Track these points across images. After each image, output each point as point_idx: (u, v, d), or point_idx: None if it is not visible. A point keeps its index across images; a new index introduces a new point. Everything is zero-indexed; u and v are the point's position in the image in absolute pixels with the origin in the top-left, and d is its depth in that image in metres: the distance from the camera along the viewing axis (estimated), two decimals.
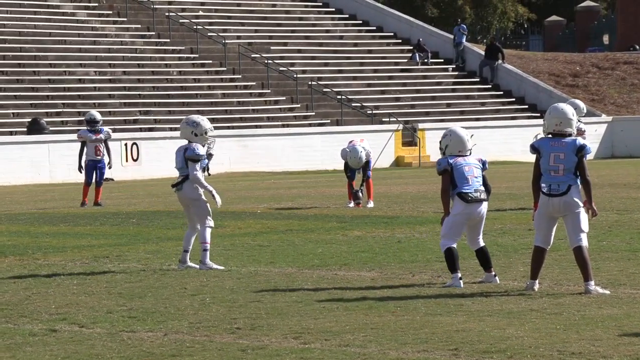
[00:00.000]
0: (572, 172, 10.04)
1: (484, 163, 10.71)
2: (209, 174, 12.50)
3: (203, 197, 12.27)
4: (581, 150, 10.03)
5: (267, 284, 10.99)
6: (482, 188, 10.57)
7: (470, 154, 10.67)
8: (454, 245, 10.56)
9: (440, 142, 10.74)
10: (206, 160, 12.34)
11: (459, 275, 10.52)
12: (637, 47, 49.51)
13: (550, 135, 10.16)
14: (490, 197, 10.82)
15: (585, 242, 10.06)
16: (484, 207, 10.59)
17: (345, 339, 8.25)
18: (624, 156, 39.57)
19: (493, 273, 10.69)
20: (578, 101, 19.34)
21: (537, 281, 10.23)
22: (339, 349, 7.92)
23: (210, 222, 12.27)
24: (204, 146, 12.27)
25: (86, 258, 13.46)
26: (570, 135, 10.12)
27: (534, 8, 64.25)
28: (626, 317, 8.82)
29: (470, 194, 10.46)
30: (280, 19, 44.34)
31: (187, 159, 12.14)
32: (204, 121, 12.38)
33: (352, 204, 19.59)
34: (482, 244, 10.72)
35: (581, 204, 10.08)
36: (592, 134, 31.29)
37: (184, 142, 12.39)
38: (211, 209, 12.31)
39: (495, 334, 8.25)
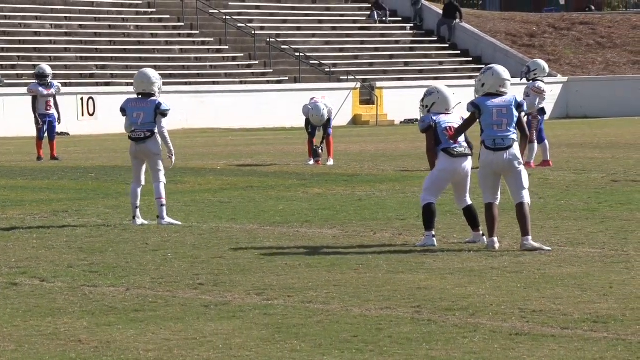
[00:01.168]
0: (513, 126, 10.30)
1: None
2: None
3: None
4: (520, 106, 10.37)
5: (228, 241, 10.99)
6: (465, 144, 10.60)
7: (452, 113, 10.72)
8: (434, 202, 10.56)
9: (422, 100, 10.74)
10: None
11: (433, 233, 10.51)
12: (593, 7, 49.73)
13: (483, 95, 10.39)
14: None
15: (527, 199, 10.27)
16: (469, 163, 10.61)
17: (308, 295, 8.28)
18: (578, 116, 39.86)
19: (480, 232, 10.62)
20: (541, 61, 19.64)
21: (496, 238, 10.33)
22: (302, 305, 7.95)
23: (164, 178, 12.31)
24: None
25: (45, 212, 13.38)
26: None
27: None
28: (585, 275, 8.93)
29: (455, 149, 10.49)
30: None
31: (160, 113, 12.12)
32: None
33: (312, 162, 19.60)
34: (469, 202, 10.68)
35: (522, 161, 10.33)
36: (548, 94, 31.41)
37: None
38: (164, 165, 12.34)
39: (457, 292, 8.32)
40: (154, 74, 12.37)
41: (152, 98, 12.24)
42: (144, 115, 12.19)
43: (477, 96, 10.43)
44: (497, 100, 10.31)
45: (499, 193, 10.41)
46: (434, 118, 10.59)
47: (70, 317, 7.67)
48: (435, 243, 10.49)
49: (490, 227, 10.31)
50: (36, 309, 7.94)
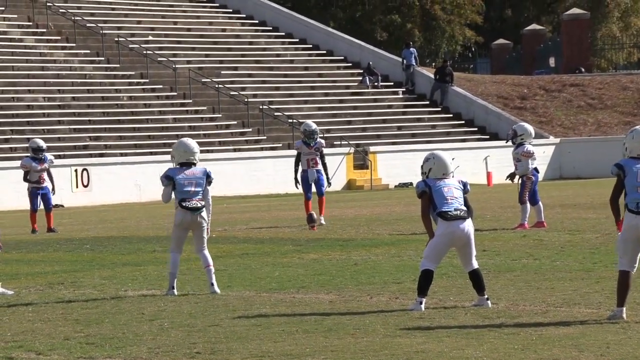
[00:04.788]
0: None
1: (464, 185, 10.67)
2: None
3: None
4: None
5: (225, 308, 10.97)
6: (464, 207, 10.51)
7: (453, 176, 10.70)
8: (433, 269, 10.48)
9: (422, 166, 10.72)
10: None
11: (423, 300, 10.44)
12: (583, 69, 50.10)
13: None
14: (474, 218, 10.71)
15: None
16: (469, 225, 10.49)
17: None
18: (571, 177, 39.98)
19: (486, 297, 10.55)
20: (527, 125, 19.65)
21: (624, 308, 9.67)
22: None
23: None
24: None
25: (40, 285, 13.35)
26: None
27: (481, 31, 64.87)
28: (582, 335, 8.92)
29: (449, 212, 10.43)
30: (230, 43, 44.40)
31: (209, 182, 12.14)
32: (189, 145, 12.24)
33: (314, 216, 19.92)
34: (475, 266, 10.57)
35: None
36: (541, 156, 31.48)
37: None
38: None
39: (454, 355, 8.30)
40: (195, 144, 12.30)
41: (199, 167, 12.22)
42: (196, 184, 12.10)
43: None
44: None
45: (637, 262, 9.70)
46: (430, 184, 10.60)
47: None
48: (423, 309, 10.39)
49: (621, 296, 9.60)
50: None
